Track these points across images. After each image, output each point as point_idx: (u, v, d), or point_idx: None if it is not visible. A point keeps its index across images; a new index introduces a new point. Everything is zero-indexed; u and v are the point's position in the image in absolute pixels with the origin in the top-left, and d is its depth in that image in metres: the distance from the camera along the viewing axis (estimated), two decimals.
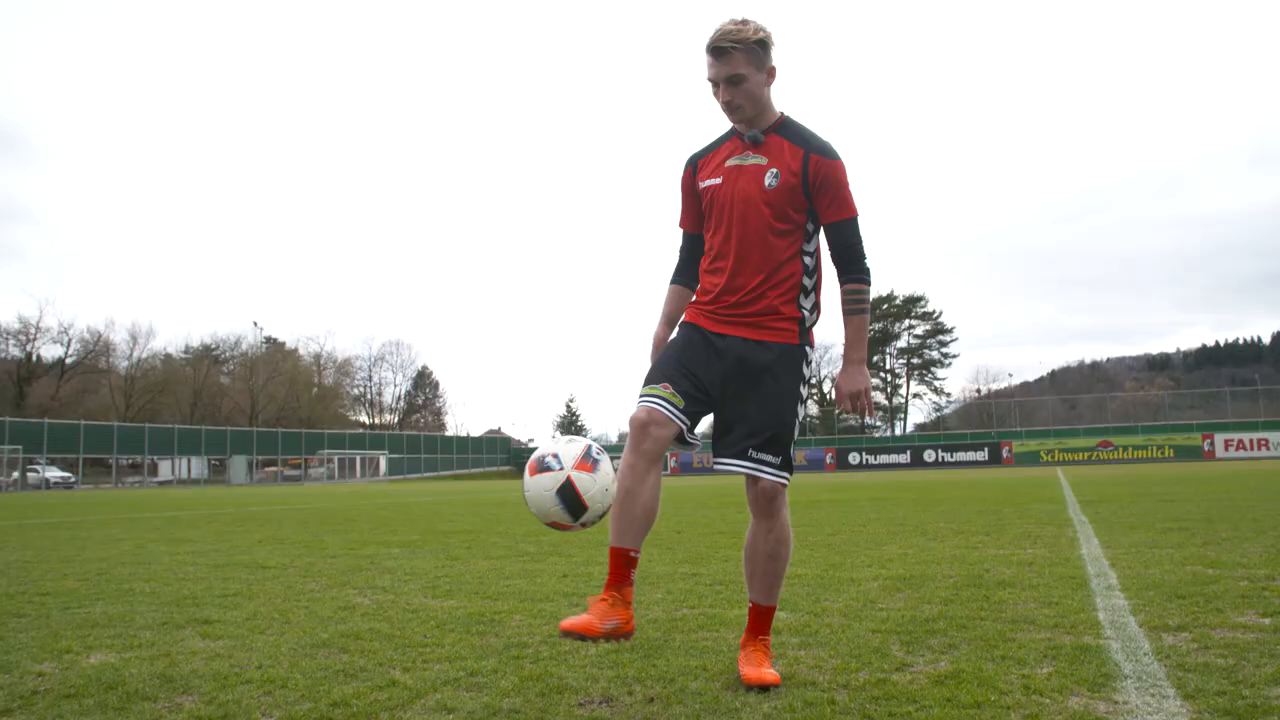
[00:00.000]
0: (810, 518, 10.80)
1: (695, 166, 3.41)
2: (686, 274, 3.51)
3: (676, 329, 3.38)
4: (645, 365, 3.34)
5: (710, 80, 3.22)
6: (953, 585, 5.18)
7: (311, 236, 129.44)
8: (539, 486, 3.14)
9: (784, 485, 3.19)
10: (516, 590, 5.43)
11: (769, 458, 3.13)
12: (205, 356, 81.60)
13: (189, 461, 61.38)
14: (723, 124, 3.40)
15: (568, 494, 3.11)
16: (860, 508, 12.93)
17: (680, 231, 3.54)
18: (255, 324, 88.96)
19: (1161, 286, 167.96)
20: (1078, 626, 3.92)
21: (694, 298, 3.39)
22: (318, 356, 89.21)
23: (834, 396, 3.34)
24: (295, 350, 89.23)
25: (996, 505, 12.65)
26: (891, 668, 3.28)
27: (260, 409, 77.56)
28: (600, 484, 3.03)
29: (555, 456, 3.15)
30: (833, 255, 3.27)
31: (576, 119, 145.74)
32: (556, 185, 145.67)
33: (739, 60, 3.14)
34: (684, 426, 3.10)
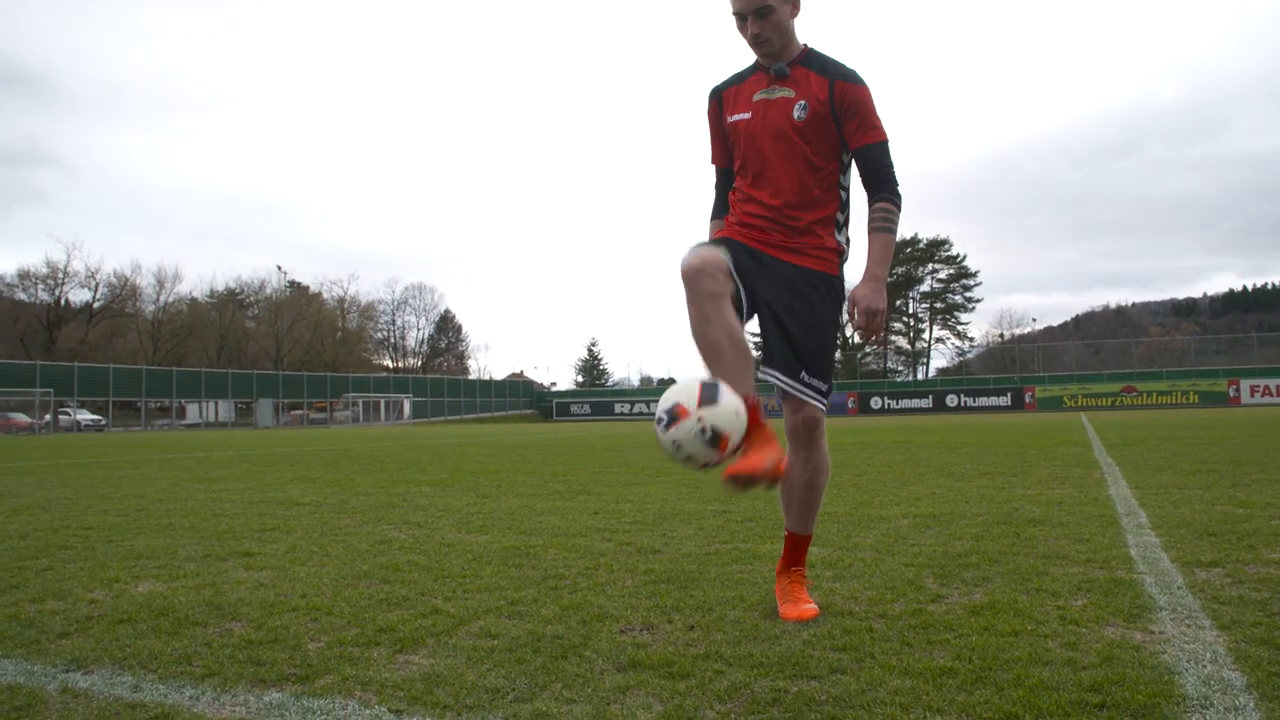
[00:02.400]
0: (836, 459, 10.85)
1: (720, 100, 3.37)
2: (721, 209, 3.48)
3: (713, 239, 3.31)
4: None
5: (737, 13, 3.16)
6: (982, 523, 5.21)
7: (336, 180, 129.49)
8: (677, 433, 2.78)
9: (825, 413, 3.21)
10: (549, 526, 5.50)
11: (817, 383, 3.14)
12: (230, 301, 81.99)
13: (216, 405, 62.02)
14: (742, 58, 3.37)
15: (711, 385, 2.85)
16: (885, 449, 12.96)
17: (713, 168, 3.51)
18: (279, 268, 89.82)
19: (1190, 231, 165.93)
20: (1110, 562, 3.94)
21: (731, 226, 3.32)
22: (341, 300, 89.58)
23: (848, 313, 3.23)
24: (319, 294, 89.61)
25: (1021, 448, 12.65)
26: (927, 599, 3.32)
27: (285, 353, 78.07)
28: (738, 407, 2.80)
29: (679, 405, 2.82)
30: (864, 178, 3.23)
31: (600, 64, 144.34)
32: (580, 128, 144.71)
33: None
34: (738, 288, 3.06)
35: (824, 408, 3.17)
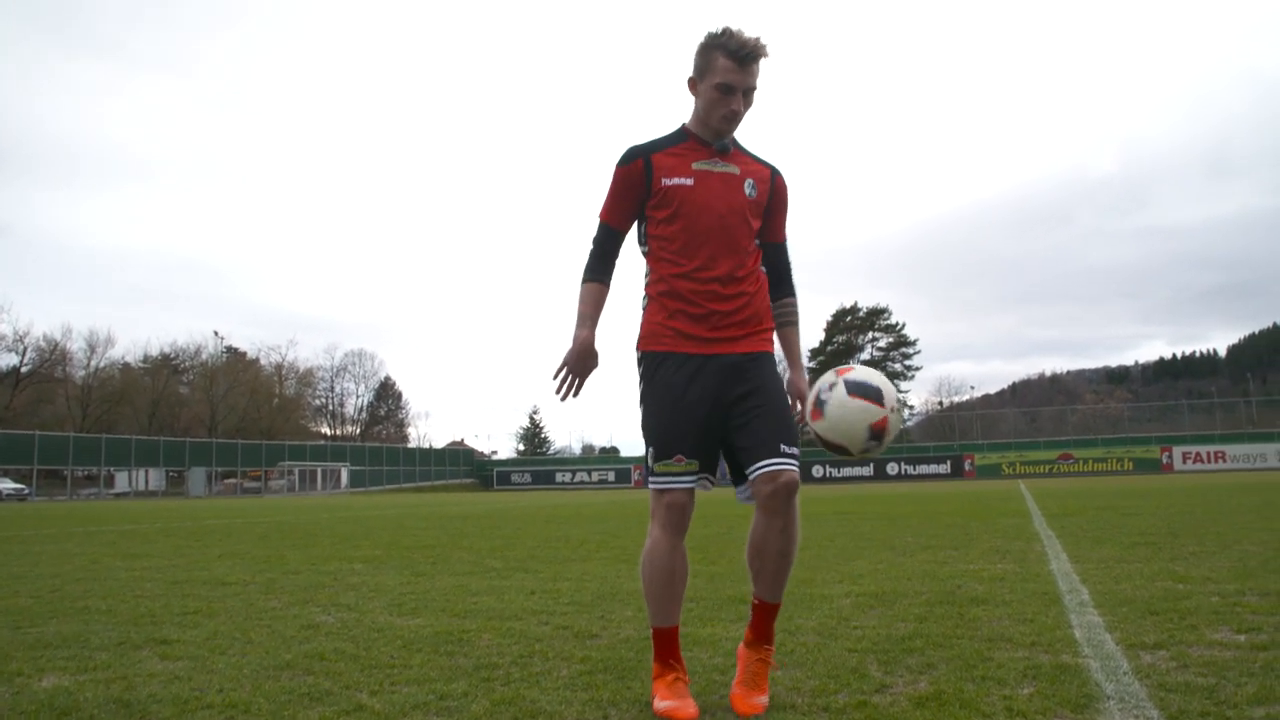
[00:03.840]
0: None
1: (650, 161, 3.23)
2: (603, 270, 3.32)
3: (663, 364, 3.19)
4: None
5: (726, 85, 3.13)
6: (926, 602, 5.14)
7: (275, 245, 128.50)
8: (855, 412, 3.20)
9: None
10: (484, 608, 5.32)
11: (793, 450, 3.13)
12: (164, 366, 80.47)
13: (146, 473, 60.50)
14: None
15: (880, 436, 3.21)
16: (826, 521, 12.91)
17: (600, 223, 3.32)
18: (216, 334, 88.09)
19: (1121, 299, 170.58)
20: (1055, 645, 3.88)
21: (663, 306, 3.21)
22: (279, 367, 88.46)
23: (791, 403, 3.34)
24: (256, 360, 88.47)
25: (963, 519, 12.68)
26: (871, 689, 3.22)
27: (220, 420, 76.60)
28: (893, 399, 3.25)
29: (880, 393, 3.22)
30: (774, 272, 3.42)
31: (538, 133, 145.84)
32: (518, 196, 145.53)
33: (756, 72, 3.15)
34: (705, 482, 3.20)
35: (798, 469, 3.13)
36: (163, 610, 5.44)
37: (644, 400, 3.24)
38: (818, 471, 60.55)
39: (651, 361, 3.22)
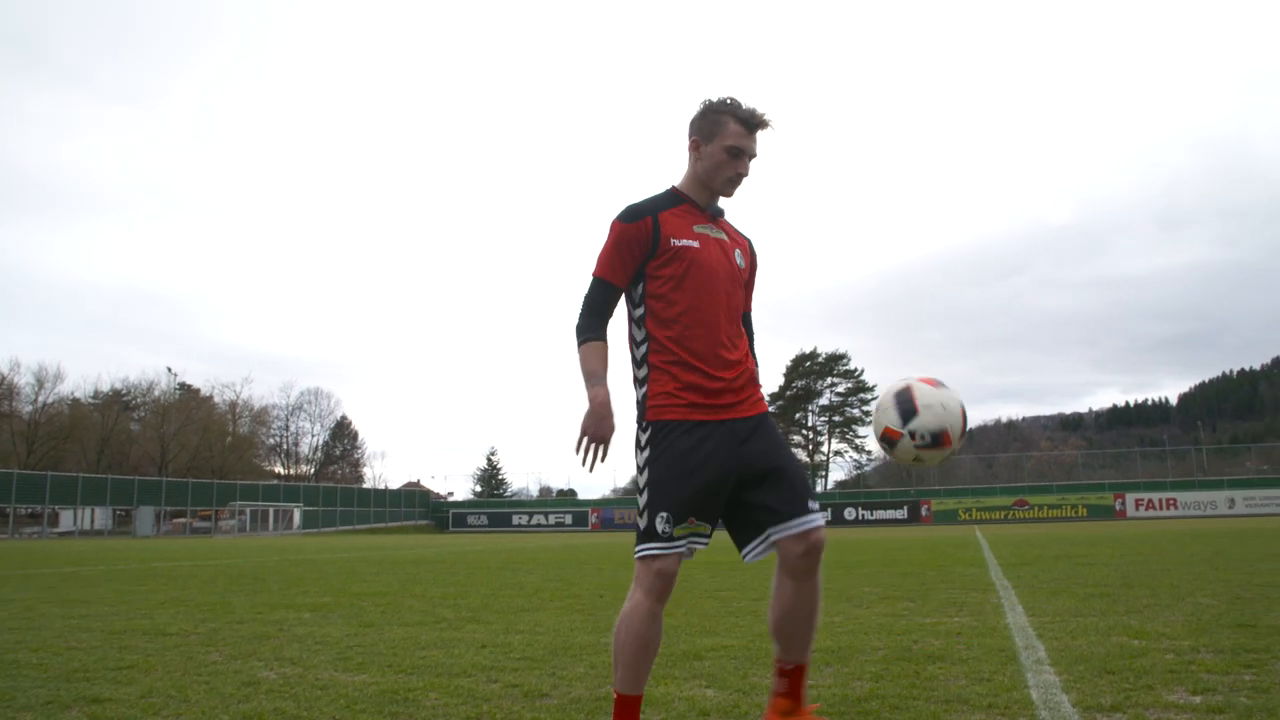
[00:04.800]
0: (734, 581, 10.67)
1: (658, 219, 3.20)
2: (603, 327, 3.27)
3: (658, 433, 3.15)
4: (598, 438, 3.15)
5: (735, 149, 3.20)
6: (882, 659, 5.07)
7: (233, 281, 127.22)
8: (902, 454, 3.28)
9: None
10: (433, 663, 5.18)
11: (817, 507, 3.18)
12: (115, 402, 79.04)
13: (92, 512, 59.18)
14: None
15: (904, 397, 3.28)
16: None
17: (594, 279, 3.25)
18: (169, 370, 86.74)
19: (1077, 347, 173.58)
20: (1011, 707, 3.82)
21: (671, 375, 3.18)
22: (233, 404, 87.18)
23: None
24: (210, 397, 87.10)
25: (919, 567, 12.66)
26: None
27: (171, 458, 75.26)
28: (939, 399, 3.27)
29: (886, 429, 3.31)
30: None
31: (492, 169, 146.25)
32: (475, 238, 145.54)
33: (760, 140, 3.23)
34: (703, 543, 3.18)
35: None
36: (97, 665, 5.24)
37: (653, 467, 3.15)
38: None
39: (660, 430, 3.16)
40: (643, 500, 3.16)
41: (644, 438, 3.19)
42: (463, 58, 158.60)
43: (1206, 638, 5.52)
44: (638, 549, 3.14)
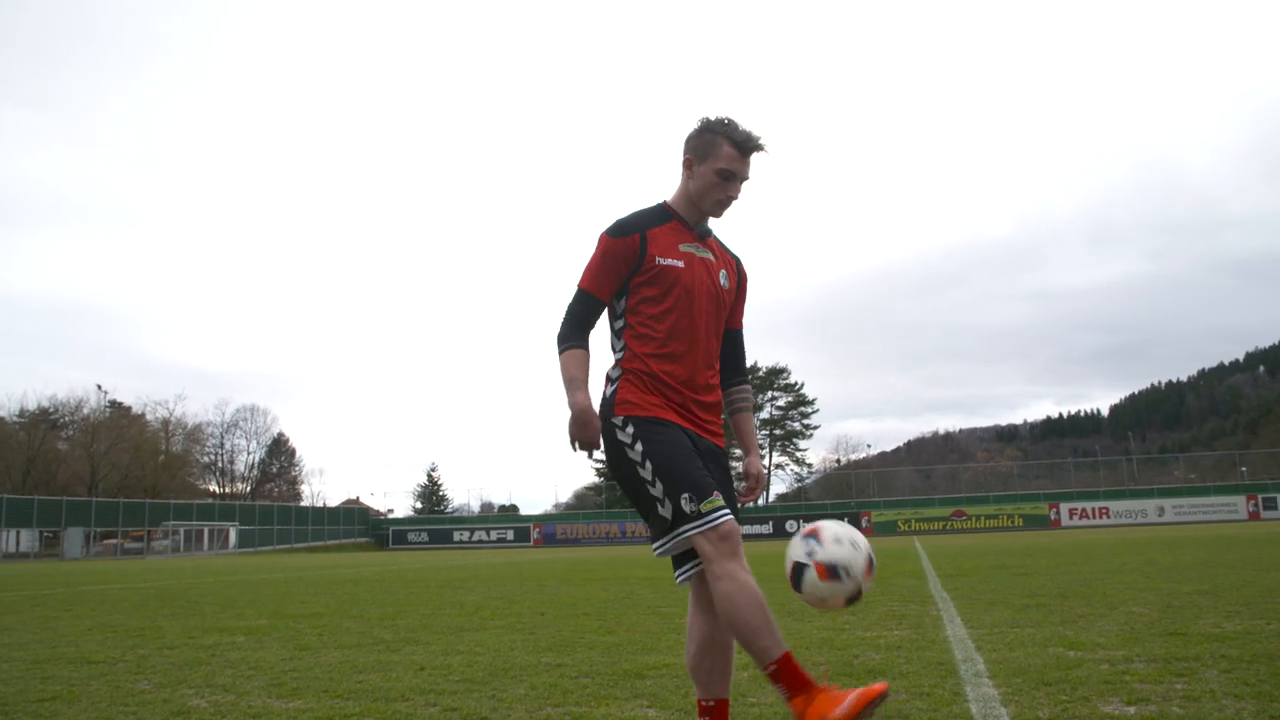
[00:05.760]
0: (676, 597, 10.65)
1: (646, 236, 3.19)
2: (584, 337, 3.23)
3: (656, 424, 3.11)
4: (585, 444, 3.13)
5: (728, 172, 3.20)
6: (823, 676, 5.06)
7: (163, 295, 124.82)
8: (831, 593, 3.08)
9: None
10: (369, 688, 5.07)
11: None
12: (42, 420, 76.90)
13: (18, 534, 57.48)
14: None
15: (854, 599, 3.11)
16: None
17: (578, 290, 3.24)
18: (99, 387, 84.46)
19: (1012, 359, 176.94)
20: None
21: (642, 384, 3.17)
22: (166, 422, 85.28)
23: (748, 487, 3.47)
24: (142, 415, 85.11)
25: None
26: None
27: (101, 477, 73.38)
28: (870, 582, 3.14)
29: (847, 571, 3.04)
30: (731, 359, 3.47)
31: (432, 184, 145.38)
32: (418, 246, 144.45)
33: (751, 164, 3.24)
34: None
35: None
36: (17, 697, 5.05)
37: (654, 457, 3.06)
38: (791, 526, 60.49)
39: (643, 423, 3.10)
40: (657, 490, 3.02)
41: (627, 432, 3.11)
42: (399, 81, 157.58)
43: (1139, 647, 5.61)
44: (678, 534, 3.01)
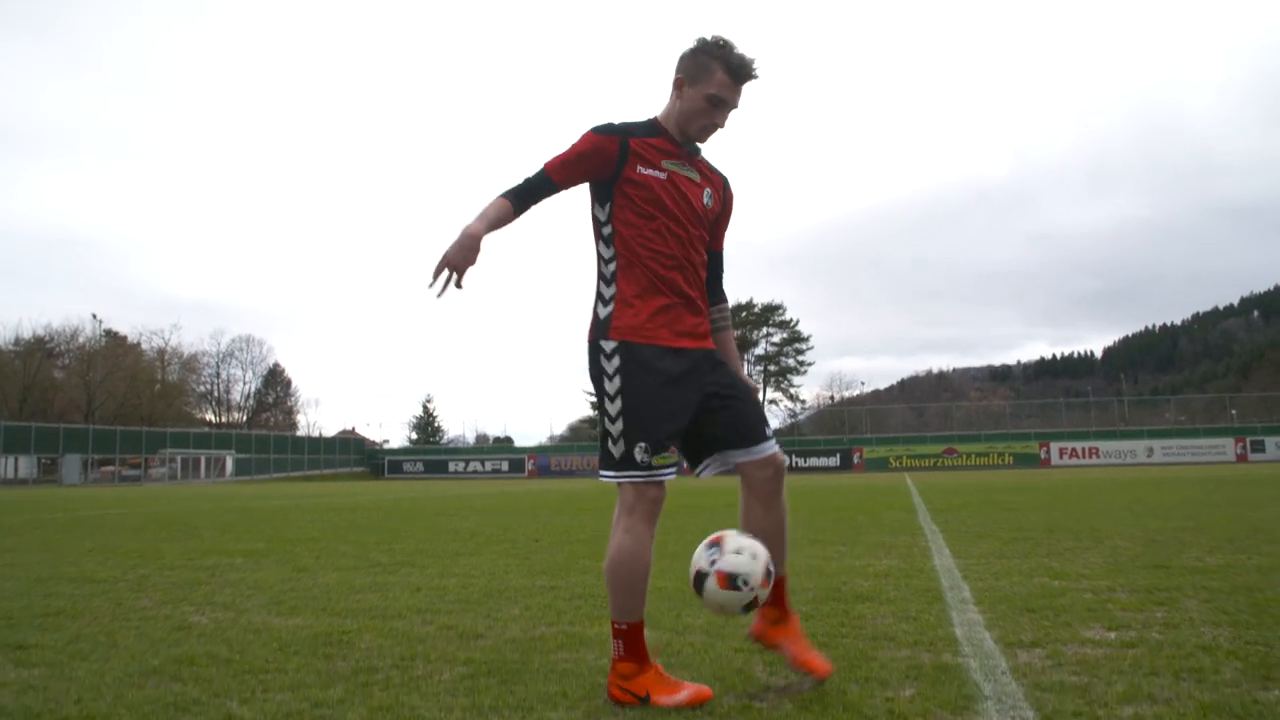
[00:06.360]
0: (669, 525, 10.78)
1: (628, 144, 3.20)
2: (523, 204, 3.20)
3: (629, 355, 3.15)
4: (457, 266, 3.05)
5: (717, 99, 3.20)
6: (813, 599, 5.18)
7: (157, 224, 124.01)
8: (728, 601, 3.14)
9: None
10: (367, 606, 5.18)
11: (772, 432, 3.34)
12: (38, 349, 76.83)
13: (16, 460, 57.73)
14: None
15: (751, 607, 3.18)
16: (718, 515, 12.97)
17: (541, 170, 3.21)
18: (94, 316, 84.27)
19: (1007, 301, 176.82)
20: (936, 644, 3.93)
21: (641, 293, 3.20)
22: (162, 352, 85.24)
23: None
24: (137, 345, 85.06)
25: (850, 513, 12.90)
26: (757, 690, 3.22)
27: (97, 406, 73.53)
28: (766, 591, 3.21)
29: (745, 581, 3.11)
30: (712, 278, 3.50)
31: (427, 113, 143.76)
32: (415, 180, 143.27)
33: (742, 93, 3.26)
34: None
35: None
36: (22, 611, 5.15)
37: (627, 395, 3.14)
38: None
39: (630, 353, 3.15)
40: (616, 428, 3.14)
41: (612, 362, 3.17)
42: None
43: (1123, 578, 5.72)
44: (619, 475, 3.14)
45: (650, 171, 3.19)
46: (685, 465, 3.39)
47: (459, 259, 3.05)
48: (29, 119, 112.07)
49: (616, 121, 3.26)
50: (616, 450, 3.13)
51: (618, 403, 3.14)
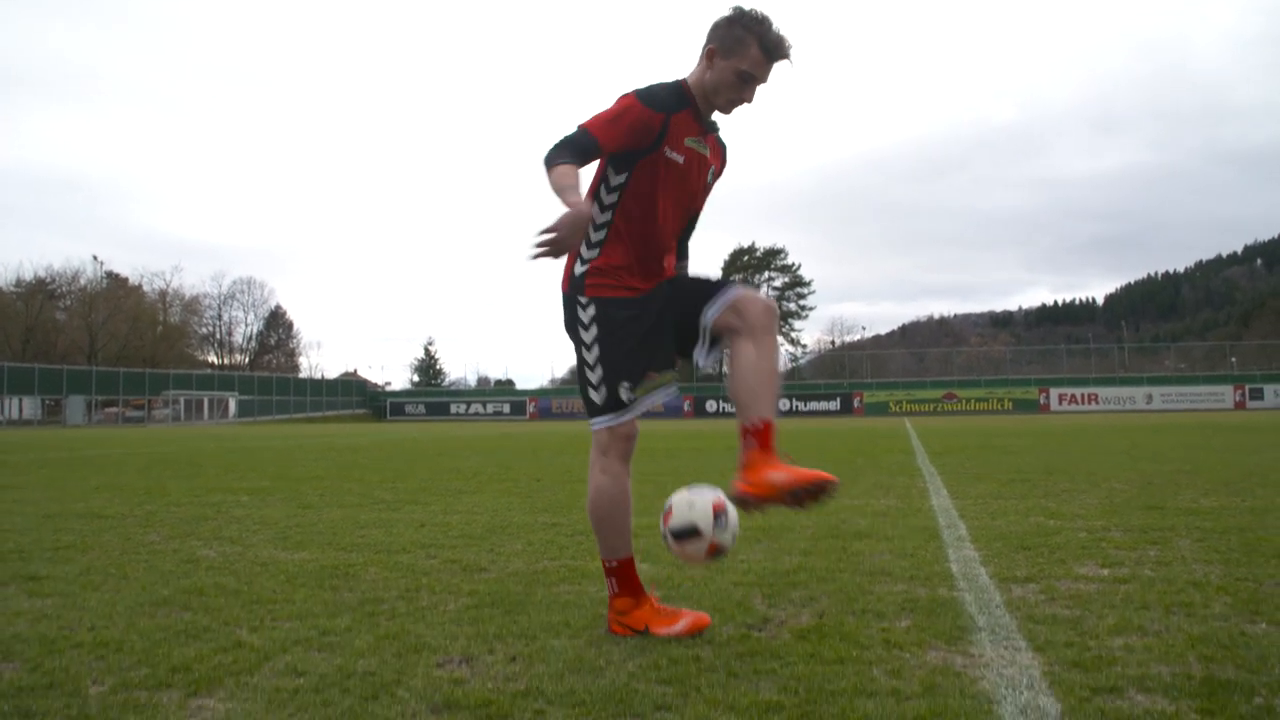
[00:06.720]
0: (668, 466, 10.87)
1: (669, 122, 3.12)
2: (579, 163, 3.00)
3: (601, 308, 3.18)
4: (565, 240, 2.78)
5: (748, 75, 3.15)
6: (811, 536, 5.25)
7: (162, 164, 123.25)
8: (694, 551, 3.18)
9: None
10: (372, 541, 5.26)
11: (739, 280, 3.32)
12: (40, 291, 76.76)
13: (20, 401, 57.95)
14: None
15: (718, 552, 3.19)
16: (717, 456, 13.08)
17: (589, 136, 3.01)
18: (95, 258, 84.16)
19: (1010, 246, 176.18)
20: (932, 578, 4.00)
21: (616, 252, 3.21)
22: (163, 293, 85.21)
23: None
24: (139, 287, 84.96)
25: (849, 456, 13.00)
26: (755, 622, 3.29)
27: (100, 347, 73.64)
28: (730, 533, 3.21)
29: (697, 530, 3.15)
30: (682, 235, 3.55)
31: (437, 57, 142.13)
32: (417, 123, 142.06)
33: (775, 70, 3.22)
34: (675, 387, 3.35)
35: None
36: (33, 545, 5.23)
37: (603, 343, 3.18)
38: (711, 406, 61.21)
39: (602, 305, 3.19)
40: (596, 375, 3.19)
41: (587, 314, 3.21)
42: None
43: (1118, 518, 5.79)
44: (597, 421, 3.21)
45: (674, 155, 3.15)
46: (698, 360, 3.40)
47: (574, 240, 2.80)
48: (30, 61, 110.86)
49: (655, 88, 3.13)
50: (599, 396, 3.19)
51: (594, 351, 3.19)
